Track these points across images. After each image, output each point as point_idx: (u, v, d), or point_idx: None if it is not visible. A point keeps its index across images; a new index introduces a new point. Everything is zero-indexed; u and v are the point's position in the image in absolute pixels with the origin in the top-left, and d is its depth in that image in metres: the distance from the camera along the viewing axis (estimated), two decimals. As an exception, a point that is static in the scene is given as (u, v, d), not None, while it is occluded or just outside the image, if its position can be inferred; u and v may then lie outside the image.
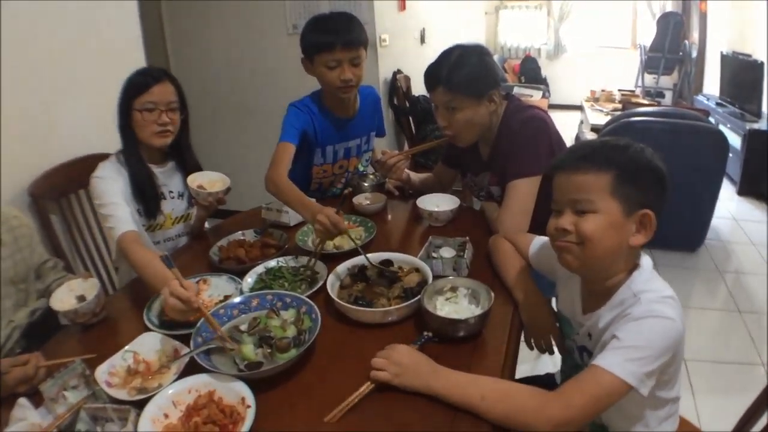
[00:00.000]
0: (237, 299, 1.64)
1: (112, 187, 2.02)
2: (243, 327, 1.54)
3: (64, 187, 2.57)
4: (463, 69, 1.96)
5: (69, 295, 1.76)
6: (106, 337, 1.68)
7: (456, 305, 1.57)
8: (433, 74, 2.01)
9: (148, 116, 2.04)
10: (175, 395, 1.34)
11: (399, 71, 4.90)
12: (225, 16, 4.62)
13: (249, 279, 1.79)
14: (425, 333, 1.49)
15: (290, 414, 1.31)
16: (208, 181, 2.19)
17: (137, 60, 3.02)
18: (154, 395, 1.34)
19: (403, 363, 1.34)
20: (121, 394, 1.38)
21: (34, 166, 2.52)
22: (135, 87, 2.05)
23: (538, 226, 1.90)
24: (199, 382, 1.37)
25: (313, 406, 1.32)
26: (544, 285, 1.69)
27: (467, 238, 1.85)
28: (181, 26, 4.82)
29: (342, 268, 1.78)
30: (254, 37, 4.61)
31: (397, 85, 4.77)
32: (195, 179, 2.15)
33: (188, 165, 2.25)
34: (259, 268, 1.85)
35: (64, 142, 2.64)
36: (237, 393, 1.33)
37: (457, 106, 1.99)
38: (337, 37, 2.18)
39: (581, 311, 1.47)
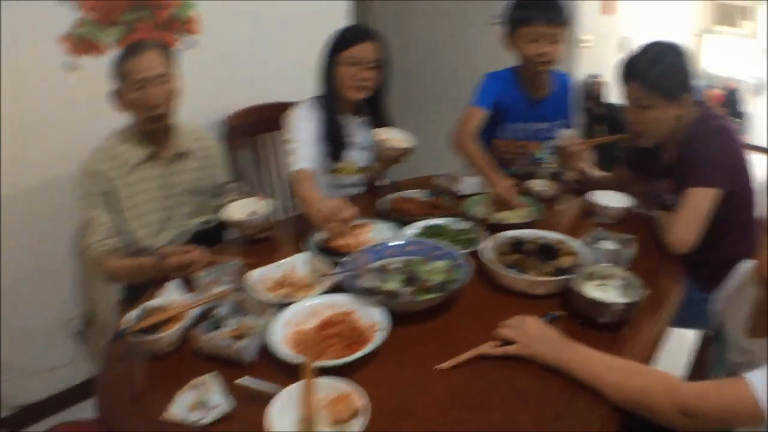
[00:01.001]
0: (394, 241, 1.69)
1: (303, 126, 2.19)
2: (394, 265, 1.57)
3: (257, 126, 2.78)
4: (659, 67, 1.85)
5: (241, 210, 1.92)
6: (267, 252, 1.80)
7: (605, 293, 1.50)
8: (629, 67, 1.93)
9: (348, 70, 2.17)
10: (314, 307, 1.42)
11: (596, 75, 4.73)
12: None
13: (411, 230, 1.83)
14: (556, 312, 1.46)
15: (410, 352, 1.34)
16: (393, 138, 2.25)
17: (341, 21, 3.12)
18: (295, 301, 1.42)
19: (534, 334, 1.31)
20: (267, 297, 1.47)
21: (235, 102, 2.76)
22: (341, 41, 2.19)
23: (711, 244, 1.80)
24: (340, 301, 1.43)
25: (432, 352, 1.32)
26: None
27: (635, 236, 1.75)
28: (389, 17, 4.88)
29: (502, 237, 1.76)
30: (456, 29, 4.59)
31: (593, 88, 4.62)
32: (380, 133, 2.22)
33: (380, 121, 2.34)
34: (423, 223, 1.88)
35: (265, 85, 2.86)
36: (372, 318, 1.37)
37: (649, 105, 1.89)
38: (540, 13, 2.18)
39: (747, 333, 1.33)
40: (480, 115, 2.29)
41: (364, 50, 2.17)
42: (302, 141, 2.16)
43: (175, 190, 2.12)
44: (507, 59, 2.40)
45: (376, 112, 2.35)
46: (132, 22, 2.55)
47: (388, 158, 2.26)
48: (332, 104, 2.26)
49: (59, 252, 2.54)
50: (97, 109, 2.29)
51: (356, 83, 2.19)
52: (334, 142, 2.26)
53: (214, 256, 1.66)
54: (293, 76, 2.80)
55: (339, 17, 3.06)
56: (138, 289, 1.78)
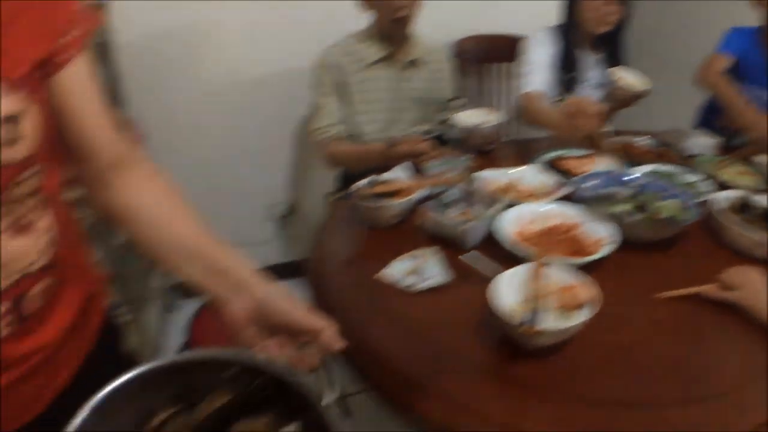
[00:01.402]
0: (627, 172, 1.63)
1: (540, 51, 2.18)
2: (625, 194, 1.51)
3: (485, 55, 2.75)
4: None
5: (470, 118, 1.92)
6: (493, 160, 1.80)
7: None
8: None
9: (594, 3, 2.09)
10: (542, 212, 1.40)
11: None
12: None
13: (643, 169, 1.75)
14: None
15: (630, 276, 1.29)
16: (629, 79, 2.15)
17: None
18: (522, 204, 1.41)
19: (759, 287, 1.19)
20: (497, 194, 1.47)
21: (465, 27, 2.74)
22: None
23: None
24: (570, 211, 1.40)
25: (650, 281, 1.26)
26: None
27: None
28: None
29: (731, 195, 1.62)
30: None
31: None
32: (616, 72, 2.13)
33: (615, 60, 2.24)
34: (651, 167, 1.79)
35: (497, 14, 2.80)
36: (599, 232, 1.33)
37: None
38: None
39: None
40: (723, 62, 2.12)
41: None
42: (537, 65, 2.16)
43: (404, 95, 2.18)
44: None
45: (612, 49, 2.24)
46: None
47: (620, 100, 2.13)
48: (572, 35, 2.21)
49: (280, 138, 2.73)
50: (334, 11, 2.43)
51: (601, 16, 2.11)
52: (568, 74, 2.21)
53: (442, 150, 1.69)
54: (527, 9, 2.72)
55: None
56: (353, 180, 1.85)
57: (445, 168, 1.56)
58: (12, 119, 0.70)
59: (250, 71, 2.48)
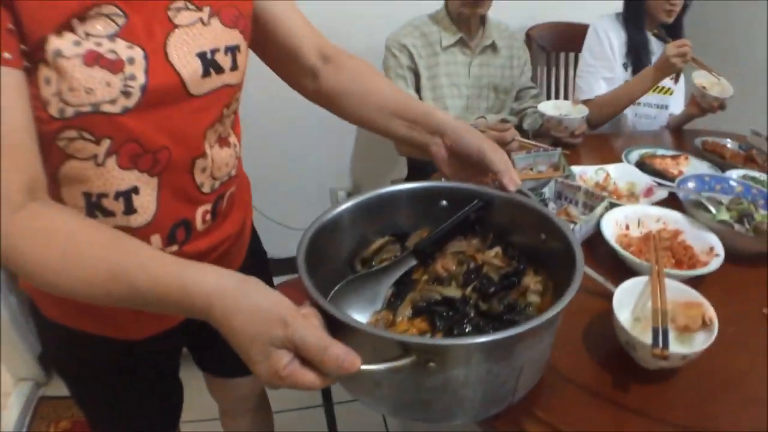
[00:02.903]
0: (723, 176, 1.54)
1: (598, 50, 2.16)
2: (724, 200, 1.42)
3: (556, 43, 2.67)
4: None
5: (556, 110, 1.85)
6: (576, 158, 1.72)
7: None
8: None
9: None
10: (643, 214, 1.32)
11: None
12: None
13: (734, 173, 1.65)
14: None
15: (738, 290, 1.20)
16: (708, 82, 2.05)
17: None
18: (620, 206, 1.32)
19: None
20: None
21: (535, 13, 2.66)
22: None
23: None
24: (669, 216, 1.32)
25: (758, 296, 1.18)
26: None
27: None
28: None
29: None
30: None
31: None
32: (700, 77, 2.03)
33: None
34: (741, 171, 1.69)
35: (569, 3, 2.71)
36: (706, 242, 1.25)
37: None
38: None
39: None
40: None
41: None
42: (594, 67, 2.14)
43: (478, 82, 2.11)
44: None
45: (675, 34, 2.14)
46: None
47: (705, 107, 2.05)
48: (638, 23, 2.14)
49: (344, 123, 2.67)
50: None
51: (668, 6, 2.04)
52: (635, 60, 2.14)
53: (530, 141, 1.62)
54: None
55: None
56: (420, 167, 1.78)
57: (534, 160, 1.48)
58: (233, 49, 0.89)
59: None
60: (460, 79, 2.09)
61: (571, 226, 1.20)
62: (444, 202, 0.98)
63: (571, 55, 2.68)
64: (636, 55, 2.14)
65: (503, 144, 1.61)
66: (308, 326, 0.63)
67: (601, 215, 1.25)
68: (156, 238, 0.90)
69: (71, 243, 0.70)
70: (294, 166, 2.67)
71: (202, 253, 0.98)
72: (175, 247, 0.93)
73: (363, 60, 1.12)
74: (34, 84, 0.74)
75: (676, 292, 1.02)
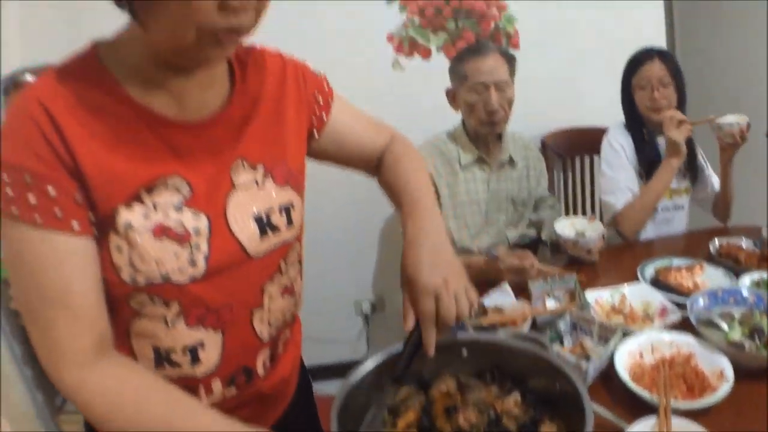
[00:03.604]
0: (736, 288, 1.59)
1: (615, 157, 2.24)
2: (736, 315, 1.49)
3: (571, 148, 2.79)
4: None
5: (571, 228, 1.94)
6: (594, 275, 1.81)
7: None
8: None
9: (642, 93, 2.19)
10: (655, 341, 1.38)
11: None
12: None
13: (746, 278, 1.71)
14: None
15: (749, 408, 1.23)
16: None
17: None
18: (634, 333, 1.40)
19: None
20: (608, 322, 1.47)
21: (549, 121, 2.82)
22: (630, 64, 2.24)
23: None
24: (681, 340, 1.38)
25: None
26: None
27: None
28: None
29: None
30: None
31: None
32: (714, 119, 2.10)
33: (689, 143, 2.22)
34: (756, 275, 1.75)
35: (582, 109, 2.88)
36: (716, 365, 1.30)
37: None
38: None
39: None
40: None
41: (650, 71, 2.16)
42: (617, 175, 2.21)
43: (496, 196, 2.18)
44: None
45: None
46: (458, 30, 2.73)
47: (728, 140, 2.08)
48: (637, 128, 2.25)
49: (368, 234, 2.80)
50: (418, 110, 2.50)
51: (651, 104, 2.16)
52: (647, 164, 2.22)
53: (546, 267, 1.71)
54: (611, 100, 2.77)
55: (657, 40, 2.99)
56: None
57: (550, 287, 1.58)
58: (287, 208, 0.99)
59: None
60: (479, 195, 2.15)
61: (587, 362, 1.29)
62: (465, 352, 1.09)
63: (587, 159, 2.80)
64: (649, 163, 2.20)
65: (523, 273, 1.71)
66: None
67: (615, 348, 1.33)
68: (217, 383, 0.97)
69: (137, 403, 0.80)
70: (318, 278, 2.72)
71: (259, 397, 1.06)
72: (234, 390, 1.00)
73: (401, 148, 1.22)
74: (106, 249, 0.83)
75: (685, 428, 1.09)
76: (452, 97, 2.16)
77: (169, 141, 0.87)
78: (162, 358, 0.92)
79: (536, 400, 1.02)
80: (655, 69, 2.16)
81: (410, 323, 0.99)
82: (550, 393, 1.00)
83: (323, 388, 2.89)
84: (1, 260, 0.83)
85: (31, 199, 0.78)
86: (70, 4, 2.41)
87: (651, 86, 2.16)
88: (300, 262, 1.10)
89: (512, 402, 1.02)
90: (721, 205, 2.29)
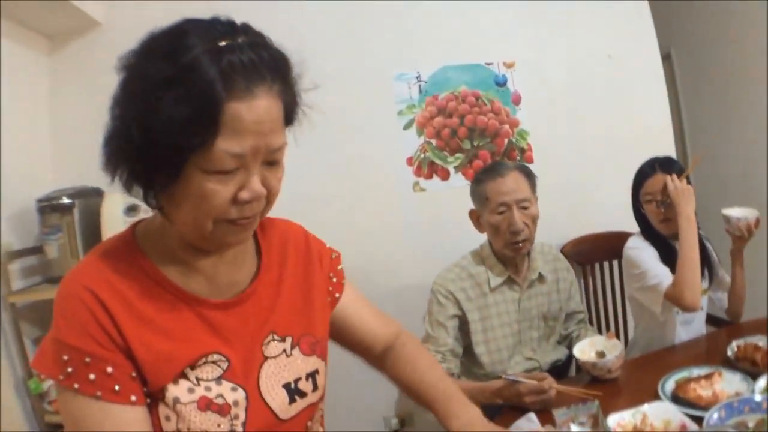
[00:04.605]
0: (749, 396, 1.68)
1: (646, 254, 2.26)
2: (750, 424, 1.57)
3: (590, 254, 2.92)
4: None
5: (591, 348, 2.04)
6: (614, 394, 1.90)
7: None
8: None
9: (649, 206, 2.29)
10: (676, 463, 1.48)
11: None
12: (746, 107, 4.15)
13: (762, 382, 1.79)
14: None
15: None
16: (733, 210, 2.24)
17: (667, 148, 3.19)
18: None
19: None
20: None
21: (570, 229, 2.96)
22: (637, 178, 2.35)
23: None
24: (700, 457, 1.47)
25: None
26: None
27: None
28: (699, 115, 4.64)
29: None
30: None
31: None
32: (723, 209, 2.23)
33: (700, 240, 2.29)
34: (774, 376, 1.83)
35: (597, 215, 3.02)
36: (732, 479, 1.39)
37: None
38: None
39: None
40: None
41: (655, 185, 2.23)
42: (653, 267, 2.21)
43: (528, 315, 2.20)
44: None
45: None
46: (474, 149, 2.92)
47: (737, 234, 2.19)
48: (653, 237, 2.30)
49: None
50: (440, 229, 2.63)
51: (660, 218, 2.24)
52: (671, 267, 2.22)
53: (565, 387, 1.81)
54: (625, 205, 2.90)
55: (666, 145, 3.16)
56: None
57: (574, 413, 1.68)
58: (313, 375, 1.09)
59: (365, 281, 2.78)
60: (510, 316, 2.17)
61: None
62: None
63: (606, 264, 2.91)
64: (668, 262, 2.23)
65: (541, 393, 1.76)
66: None
67: (637, 474, 1.43)
68: None
69: None
70: (345, 393, 2.76)
71: None
72: None
73: (414, 346, 1.36)
74: (156, 417, 0.92)
75: None
76: (476, 219, 2.21)
77: (206, 318, 0.98)
78: None
79: None
80: (658, 181, 2.26)
81: None
82: None
83: None
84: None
85: (92, 377, 0.88)
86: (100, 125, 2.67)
87: (656, 200, 2.26)
88: (322, 416, 1.22)
89: None
90: (733, 298, 2.36)
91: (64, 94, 2.77)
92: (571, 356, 2.28)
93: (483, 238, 2.28)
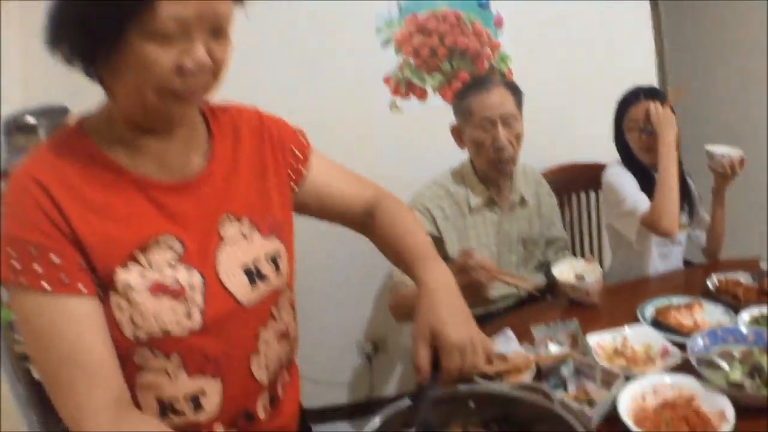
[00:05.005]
0: (735, 326, 1.62)
1: (625, 180, 2.21)
2: (735, 353, 1.51)
3: (569, 185, 2.82)
4: None
5: (569, 270, 1.96)
6: (595, 316, 1.83)
7: None
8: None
9: (633, 135, 2.23)
10: (657, 384, 1.40)
11: None
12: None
13: (745, 315, 1.73)
14: None
15: None
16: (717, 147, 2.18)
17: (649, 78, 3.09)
18: (636, 377, 1.42)
19: None
20: (610, 366, 1.49)
21: (550, 157, 2.84)
22: (620, 105, 2.27)
23: None
24: (683, 382, 1.40)
25: None
26: None
27: None
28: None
29: None
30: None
31: None
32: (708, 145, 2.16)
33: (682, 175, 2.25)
34: (756, 310, 1.77)
35: (579, 143, 2.92)
36: (718, 406, 1.32)
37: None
38: None
39: None
40: None
41: (638, 112, 2.17)
42: (632, 193, 2.16)
43: (507, 238, 2.13)
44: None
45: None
46: (453, 71, 2.79)
47: (719, 170, 2.13)
48: (633, 166, 2.24)
49: (369, 273, 2.84)
50: (416, 150, 2.60)
51: (642, 145, 2.18)
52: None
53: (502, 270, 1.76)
54: (607, 135, 2.79)
55: (648, 74, 3.06)
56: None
57: (552, 332, 1.60)
58: (274, 257, 1.05)
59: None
60: (489, 239, 2.10)
61: (590, 407, 1.31)
62: (472, 404, 1.11)
63: (583, 195, 2.83)
64: (647, 192, 2.18)
65: (471, 270, 1.60)
66: None
67: (618, 393, 1.35)
68: (219, 427, 1.02)
69: None
70: (319, 318, 2.79)
71: None
72: None
73: (394, 207, 1.25)
74: (108, 308, 0.89)
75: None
76: (457, 134, 2.11)
77: (157, 202, 0.94)
78: (166, 408, 0.97)
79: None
80: (641, 108, 2.19)
81: (427, 375, 1.01)
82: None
83: (328, 431, 2.91)
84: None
85: (37, 268, 0.84)
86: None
87: (638, 127, 2.19)
88: (293, 307, 1.17)
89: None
90: (712, 237, 2.32)
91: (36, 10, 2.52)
92: (549, 283, 2.22)
93: (460, 159, 2.20)
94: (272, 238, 1.07)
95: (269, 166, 1.12)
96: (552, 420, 1.04)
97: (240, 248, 1.01)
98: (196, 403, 0.98)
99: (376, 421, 1.03)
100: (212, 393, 0.99)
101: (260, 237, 1.05)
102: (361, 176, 1.31)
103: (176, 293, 0.91)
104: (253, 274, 1.02)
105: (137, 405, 0.95)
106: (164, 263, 0.91)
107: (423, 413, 1.02)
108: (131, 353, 0.92)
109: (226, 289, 0.98)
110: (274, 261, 1.06)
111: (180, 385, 0.96)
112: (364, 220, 1.26)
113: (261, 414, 1.09)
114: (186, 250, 0.94)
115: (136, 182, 0.93)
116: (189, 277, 0.93)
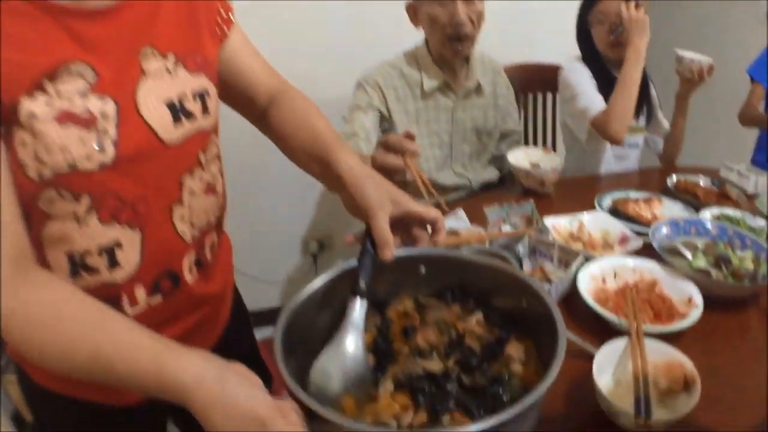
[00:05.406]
0: (698, 218, 1.54)
1: (582, 78, 2.08)
2: (699, 244, 1.42)
3: (527, 84, 2.67)
4: None
5: (525, 158, 1.83)
6: (549, 206, 1.70)
7: None
8: None
9: (599, 29, 2.06)
10: (618, 266, 1.31)
11: None
12: None
13: (707, 213, 1.65)
14: None
15: (718, 340, 1.20)
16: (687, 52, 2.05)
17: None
18: (595, 258, 1.32)
19: None
20: (569, 246, 1.38)
21: (507, 55, 2.65)
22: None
23: None
24: (645, 266, 1.31)
25: (740, 343, 1.21)
26: None
27: None
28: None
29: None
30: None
31: None
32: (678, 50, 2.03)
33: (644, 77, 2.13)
34: (717, 210, 1.69)
35: (536, 44, 2.77)
36: (683, 292, 1.25)
37: None
38: None
39: None
40: (761, 93, 2.11)
41: (610, 6, 2.01)
42: (585, 89, 2.05)
43: (461, 127, 1.99)
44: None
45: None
46: None
47: (686, 75, 2.01)
48: (596, 63, 2.11)
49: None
50: (370, 33, 2.43)
51: (608, 40, 2.04)
52: (606, 93, 2.03)
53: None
54: (566, 34, 2.48)
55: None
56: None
57: (506, 214, 1.47)
58: (201, 95, 0.93)
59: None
60: (441, 125, 1.95)
61: (548, 285, 1.19)
62: (423, 269, 0.99)
63: (539, 96, 2.70)
64: (604, 87, 2.07)
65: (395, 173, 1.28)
66: (287, 425, 0.67)
67: (577, 271, 1.24)
68: (141, 290, 0.92)
69: (55, 321, 0.74)
70: (263, 216, 2.66)
71: (186, 309, 1.01)
72: (159, 298, 0.95)
73: (304, 98, 1.13)
74: (12, 149, 0.77)
75: (657, 352, 1.01)
76: (413, 11, 1.89)
77: (72, 29, 0.81)
78: (77, 265, 0.86)
79: (502, 319, 0.93)
80: (614, 3, 2.01)
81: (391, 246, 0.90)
82: (517, 311, 0.92)
83: (270, 332, 2.79)
84: None
85: None
86: None
87: (609, 21, 2.03)
88: (219, 159, 1.06)
89: (475, 321, 0.93)
90: (671, 142, 2.22)
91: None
92: (502, 179, 2.10)
93: (415, 42, 1.99)
94: (200, 74, 0.95)
95: (200, 9, 0.99)
96: (513, 287, 0.92)
97: (164, 82, 0.89)
98: (111, 257, 0.87)
99: (317, 282, 0.91)
100: (129, 246, 0.89)
101: (186, 73, 0.93)
102: (270, 64, 1.18)
103: (86, 122, 0.80)
104: (178, 110, 0.90)
105: (47, 267, 0.85)
106: (75, 92, 0.80)
107: (365, 270, 0.89)
108: (36, 199, 0.81)
109: (144, 121, 0.86)
110: (202, 99, 0.95)
111: (91, 233, 0.85)
112: (267, 106, 1.13)
113: (187, 276, 0.98)
114: (100, 79, 0.82)
115: (47, 8, 0.80)
116: (102, 105, 0.82)
